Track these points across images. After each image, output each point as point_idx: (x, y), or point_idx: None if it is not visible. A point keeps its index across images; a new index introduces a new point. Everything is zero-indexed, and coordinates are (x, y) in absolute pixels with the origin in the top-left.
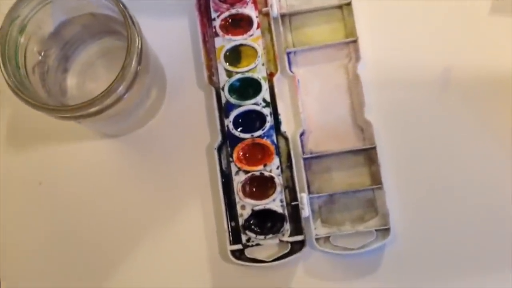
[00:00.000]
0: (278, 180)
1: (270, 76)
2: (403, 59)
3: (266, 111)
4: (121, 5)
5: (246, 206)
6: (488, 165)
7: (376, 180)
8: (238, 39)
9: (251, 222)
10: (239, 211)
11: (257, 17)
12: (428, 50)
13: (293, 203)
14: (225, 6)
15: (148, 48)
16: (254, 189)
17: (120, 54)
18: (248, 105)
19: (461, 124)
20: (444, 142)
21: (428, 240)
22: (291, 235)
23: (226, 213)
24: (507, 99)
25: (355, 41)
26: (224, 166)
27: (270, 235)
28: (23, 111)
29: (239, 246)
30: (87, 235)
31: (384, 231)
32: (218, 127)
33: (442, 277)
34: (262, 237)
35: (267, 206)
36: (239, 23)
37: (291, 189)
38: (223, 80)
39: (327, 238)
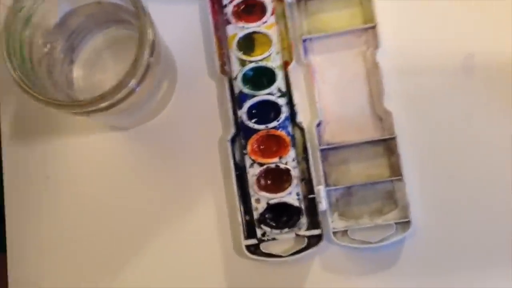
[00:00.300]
0: (294, 173)
1: (285, 65)
2: (423, 45)
3: (281, 101)
4: None
5: (261, 200)
6: None
7: (395, 171)
8: (251, 27)
9: (266, 216)
10: (254, 204)
11: (271, 2)
12: (449, 37)
13: (309, 196)
14: None
15: (159, 38)
16: (269, 182)
17: (128, 44)
18: (262, 95)
19: (484, 113)
20: (467, 131)
21: (450, 233)
22: (307, 229)
23: (240, 207)
24: None
25: (373, 27)
26: (237, 158)
27: (286, 229)
28: (28, 104)
29: (254, 241)
30: (96, 230)
31: (404, 224)
32: (232, 118)
33: (464, 271)
34: (278, 231)
35: (283, 200)
36: (252, 10)
37: (307, 181)
38: (236, 69)
39: (344, 232)
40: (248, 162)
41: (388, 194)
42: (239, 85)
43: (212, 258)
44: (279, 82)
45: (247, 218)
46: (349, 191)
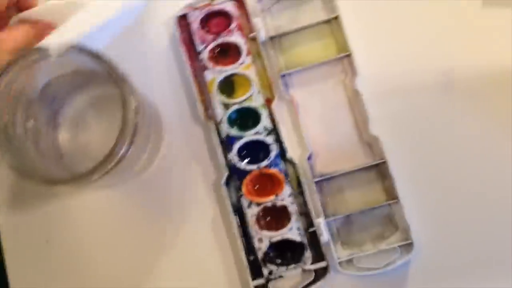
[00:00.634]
0: (292, 209)
1: (267, 103)
2: (401, 67)
3: (269, 139)
4: (109, 66)
5: (263, 239)
6: (507, 165)
7: (391, 194)
8: (229, 69)
9: (271, 254)
10: (257, 244)
11: (245, 43)
12: (424, 55)
13: (310, 230)
14: (210, 36)
15: (142, 99)
16: (268, 219)
17: (110, 100)
18: (249, 135)
19: (469, 125)
20: (455, 145)
21: (453, 249)
22: (313, 262)
23: (244, 248)
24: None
25: (348, 56)
26: (233, 199)
27: (292, 265)
28: None
29: (262, 281)
30: None
31: (407, 246)
32: (223, 161)
33: (471, 281)
34: (284, 268)
35: (285, 236)
36: (228, 52)
37: (306, 215)
38: (220, 113)
39: (350, 261)
40: (245, 203)
41: (387, 217)
42: (225, 129)
43: None
44: (264, 121)
45: (251, 258)
46: (348, 220)
